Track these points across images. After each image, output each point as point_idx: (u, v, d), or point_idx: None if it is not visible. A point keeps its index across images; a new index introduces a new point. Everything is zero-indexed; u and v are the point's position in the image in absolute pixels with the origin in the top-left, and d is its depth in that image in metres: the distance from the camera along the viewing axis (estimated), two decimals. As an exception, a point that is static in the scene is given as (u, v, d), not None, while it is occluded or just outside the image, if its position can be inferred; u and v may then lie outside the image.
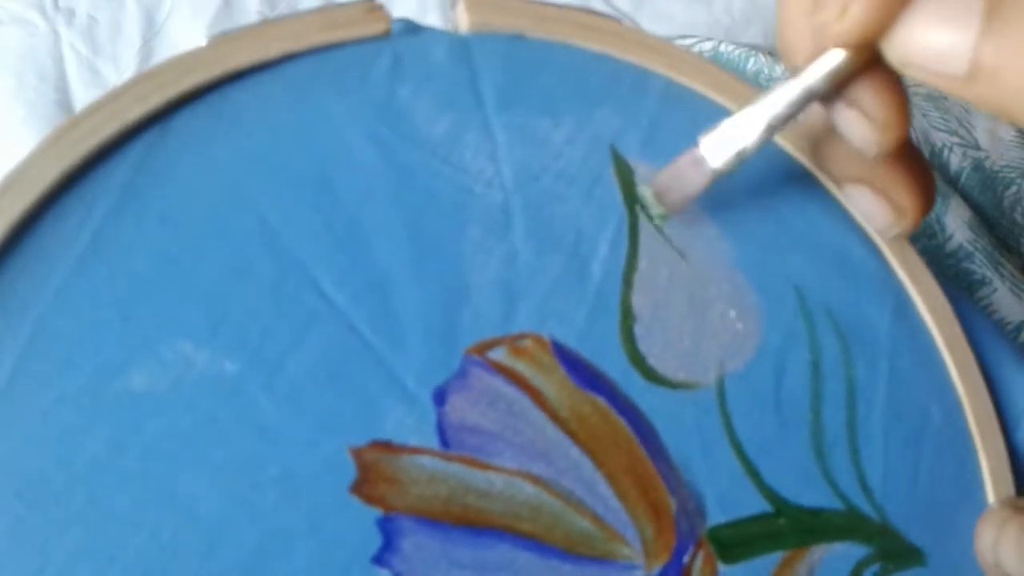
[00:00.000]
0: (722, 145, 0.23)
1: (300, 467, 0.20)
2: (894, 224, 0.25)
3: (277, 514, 0.20)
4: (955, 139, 0.48)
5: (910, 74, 0.20)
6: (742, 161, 0.23)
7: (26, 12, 0.63)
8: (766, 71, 0.51)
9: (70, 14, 0.64)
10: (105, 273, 0.20)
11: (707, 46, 0.53)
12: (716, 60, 0.51)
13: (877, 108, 0.22)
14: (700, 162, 0.24)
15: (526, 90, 0.25)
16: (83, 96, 0.62)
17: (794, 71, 0.22)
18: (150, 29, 0.65)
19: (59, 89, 0.62)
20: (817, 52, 0.22)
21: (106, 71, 0.63)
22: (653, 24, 0.66)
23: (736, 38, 0.60)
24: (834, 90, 0.22)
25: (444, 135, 0.24)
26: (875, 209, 0.26)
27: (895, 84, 0.22)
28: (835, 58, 0.21)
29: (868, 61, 0.21)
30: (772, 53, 0.51)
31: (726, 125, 0.23)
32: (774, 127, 0.23)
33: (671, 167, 0.24)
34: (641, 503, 0.23)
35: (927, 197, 0.25)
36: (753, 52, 0.51)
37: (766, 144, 0.23)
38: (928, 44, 0.19)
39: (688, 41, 0.54)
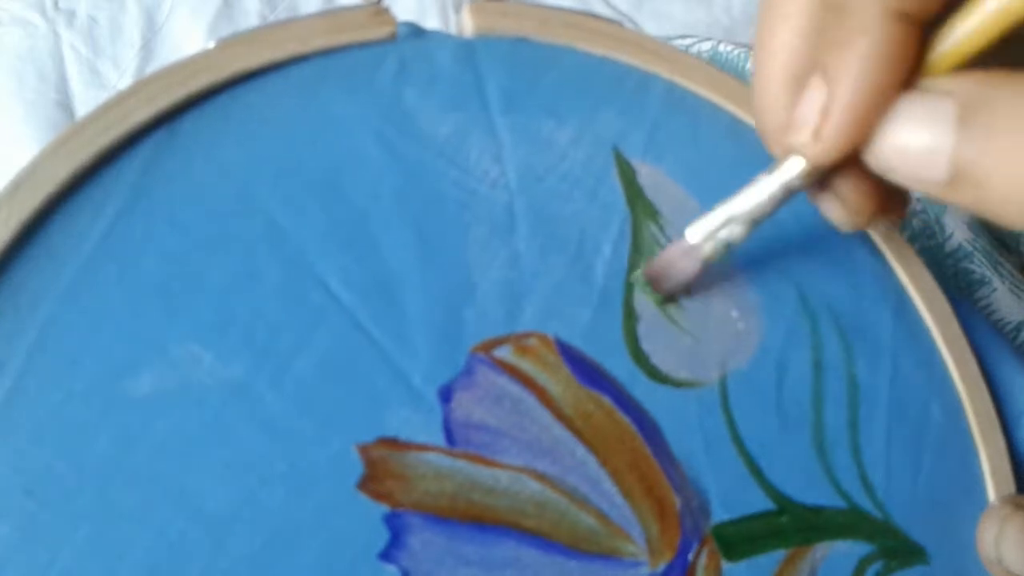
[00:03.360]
0: (711, 237, 0.23)
1: (307, 464, 0.20)
2: (846, 224, 0.25)
3: (285, 511, 0.20)
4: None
5: (892, 180, 0.20)
6: (731, 251, 0.23)
7: (26, 12, 0.63)
8: (765, 71, 0.51)
9: (70, 14, 0.64)
10: (114, 272, 0.20)
11: (706, 46, 0.53)
12: (715, 60, 0.51)
13: (853, 197, 0.22)
14: (691, 252, 0.24)
15: (530, 92, 0.25)
16: (83, 96, 0.62)
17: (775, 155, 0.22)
18: (150, 29, 0.64)
19: (59, 89, 0.62)
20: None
21: (106, 71, 0.63)
22: (653, 24, 0.66)
23: (736, 38, 0.60)
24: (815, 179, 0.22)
25: (450, 136, 0.24)
26: (830, 208, 0.25)
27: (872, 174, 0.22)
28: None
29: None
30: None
31: (713, 218, 0.23)
32: (757, 221, 0.23)
33: (662, 257, 0.24)
34: (646, 500, 0.23)
35: (890, 202, 0.24)
36: (752, 52, 0.51)
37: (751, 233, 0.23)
38: (907, 152, 0.19)
39: (687, 41, 0.54)
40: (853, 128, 0.19)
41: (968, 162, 0.18)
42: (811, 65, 0.20)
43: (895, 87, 0.19)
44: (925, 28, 0.19)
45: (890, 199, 0.23)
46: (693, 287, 0.25)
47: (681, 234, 0.24)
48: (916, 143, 0.18)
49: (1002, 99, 0.17)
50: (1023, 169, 0.17)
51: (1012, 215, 0.18)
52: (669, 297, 0.25)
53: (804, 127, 0.20)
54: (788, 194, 0.22)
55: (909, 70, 0.19)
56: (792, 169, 0.21)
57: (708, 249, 0.23)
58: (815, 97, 0.19)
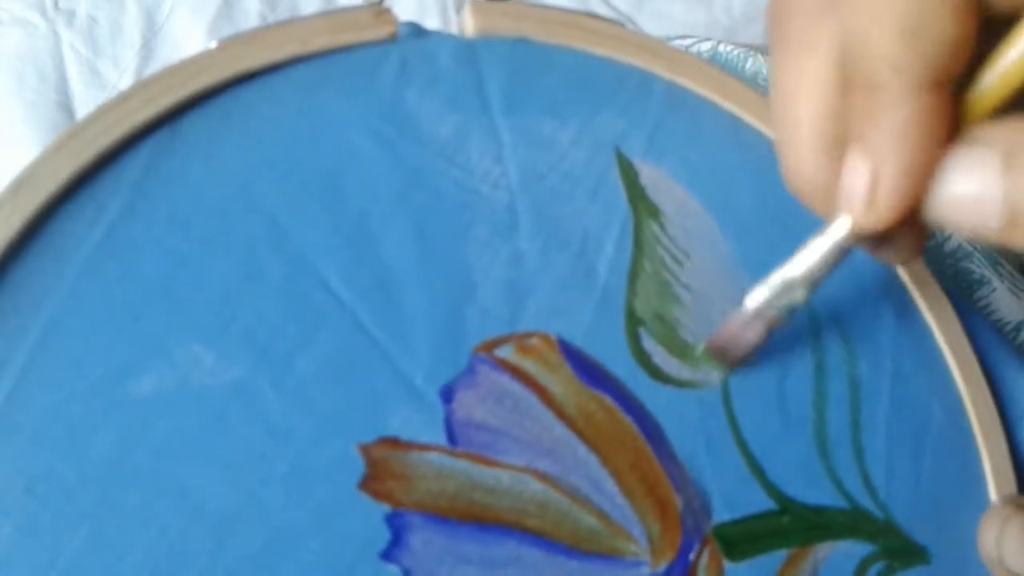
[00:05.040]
0: (771, 305, 0.23)
1: (309, 464, 0.20)
2: (897, 262, 0.25)
3: (286, 511, 0.20)
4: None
5: (948, 230, 0.20)
6: (793, 312, 0.23)
7: (26, 13, 0.63)
8: (764, 72, 0.51)
9: (70, 15, 0.64)
10: (116, 273, 0.20)
11: (706, 46, 0.53)
12: (715, 60, 0.51)
13: (905, 241, 0.22)
14: (752, 321, 0.23)
15: (531, 92, 0.25)
16: (83, 96, 0.62)
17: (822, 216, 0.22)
18: (150, 29, 0.64)
19: (59, 90, 0.62)
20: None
21: (106, 71, 0.63)
22: (653, 24, 0.66)
23: (736, 38, 0.60)
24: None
25: (450, 137, 0.24)
26: (882, 253, 0.25)
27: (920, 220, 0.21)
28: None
29: None
30: (771, 54, 0.51)
31: (770, 285, 0.23)
32: (816, 282, 0.22)
33: (724, 331, 0.24)
34: (647, 500, 0.23)
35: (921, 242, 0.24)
36: (752, 52, 0.51)
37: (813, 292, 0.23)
38: (960, 203, 0.19)
39: (687, 41, 0.54)
40: (905, 195, 0.19)
41: (1019, 205, 0.18)
42: (843, 131, 0.20)
43: (938, 149, 0.19)
44: (956, 86, 0.19)
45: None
46: (696, 287, 0.25)
47: (739, 300, 0.23)
48: (967, 194, 0.19)
49: None
50: None
51: None
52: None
53: (854, 198, 0.20)
54: (843, 253, 0.22)
55: (948, 129, 0.19)
56: (842, 230, 0.21)
57: (770, 316, 0.23)
58: (860, 169, 0.19)
